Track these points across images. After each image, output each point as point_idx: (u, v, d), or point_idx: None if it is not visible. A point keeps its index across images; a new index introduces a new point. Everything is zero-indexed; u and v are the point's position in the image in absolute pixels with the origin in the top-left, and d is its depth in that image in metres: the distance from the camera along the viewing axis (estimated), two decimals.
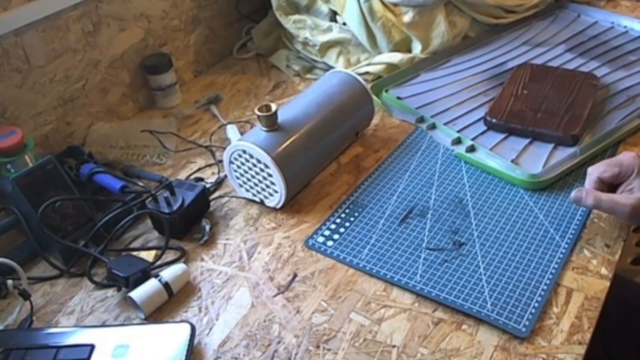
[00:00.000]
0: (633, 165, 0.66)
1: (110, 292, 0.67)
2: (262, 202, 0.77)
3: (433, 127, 0.88)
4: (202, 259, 0.71)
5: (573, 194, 0.68)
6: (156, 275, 0.65)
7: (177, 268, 0.66)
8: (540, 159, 0.79)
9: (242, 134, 0.90)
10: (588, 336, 0.58)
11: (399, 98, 0.93)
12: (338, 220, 0.74)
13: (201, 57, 1.11)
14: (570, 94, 0.88)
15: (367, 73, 1.00)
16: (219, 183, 0.82)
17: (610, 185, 0.69)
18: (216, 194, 0.80)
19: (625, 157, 0.67)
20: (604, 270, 0.64)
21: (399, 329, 0.60)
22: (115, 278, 0.65)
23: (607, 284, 0.63)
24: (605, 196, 0.66)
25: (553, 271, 0.64)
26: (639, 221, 0.66)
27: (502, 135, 0.84)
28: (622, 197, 0.65)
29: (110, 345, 0.58)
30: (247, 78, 1.08)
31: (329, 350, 0.59)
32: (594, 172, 0.69)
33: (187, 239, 0.74)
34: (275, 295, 0.65)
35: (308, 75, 1.07)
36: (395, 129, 0.90)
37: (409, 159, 0.83)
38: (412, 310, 0.62)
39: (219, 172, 0.84)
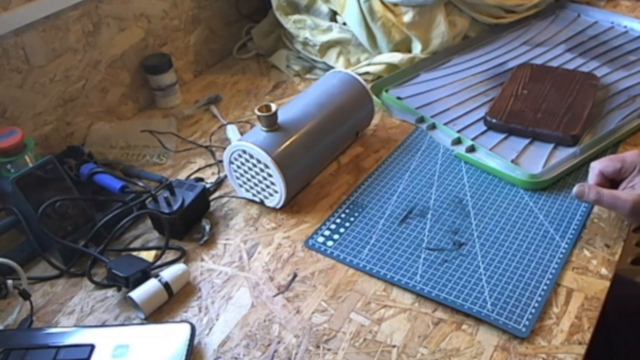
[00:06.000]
0: (636, 162, 0.67)
1: (110, 292, 0.67)
2: (262, 202, 0.77)
3: (433, 127, 0.88)
4: (202, 259, 0.71)
5: (575, 188, 0.68)
6: (156, 275, 0.65)
7: (177, 268, 0.66)
8: (540, 159, 0.79)
9: (242, 134, 0.90)
10: (588, 336, 0.58)
11: (399, 98, 0.93)
12: (338, 221, 0.74)
13: (201, 57, 1.11)
14: (570, 94, 0.88)
15: (367, 73, 1.00)
16: (219, 183, 0.82)
17: (612, 181, 0.69)
18: (216, 194, 0.80)
19: (629, 153, 0.68)
20: (604, 270, 0.64)
21: (399, 329, 0.60)
22: (115, 278, 0.65)
23: (607, 284, 0.63)
24: (607, 191, 0.66)
25: (553, 271, 0.64)
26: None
27: (502, 136, 0.84)
28: (624, 193, 0.65)
29: (110, 345, 0.58)
30: (247, 78, 1.08)
31: (329, 350, 0.59)
32: (597, 166, 0.69)
33: (187, 239, 0.74)
34: (275, 295, 0.65)
35: (308, 75, 1.07)
36: (395, 129, 0.90)
37: (409, 159, 0.83)
38: (412, 310, 0.62)
39: (219, 172, 0.84)
